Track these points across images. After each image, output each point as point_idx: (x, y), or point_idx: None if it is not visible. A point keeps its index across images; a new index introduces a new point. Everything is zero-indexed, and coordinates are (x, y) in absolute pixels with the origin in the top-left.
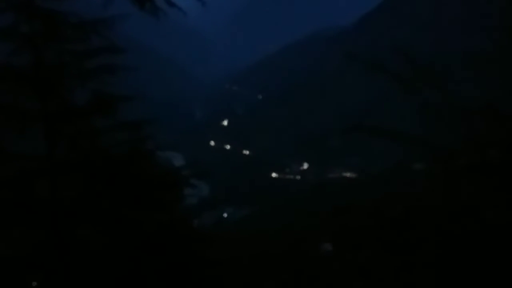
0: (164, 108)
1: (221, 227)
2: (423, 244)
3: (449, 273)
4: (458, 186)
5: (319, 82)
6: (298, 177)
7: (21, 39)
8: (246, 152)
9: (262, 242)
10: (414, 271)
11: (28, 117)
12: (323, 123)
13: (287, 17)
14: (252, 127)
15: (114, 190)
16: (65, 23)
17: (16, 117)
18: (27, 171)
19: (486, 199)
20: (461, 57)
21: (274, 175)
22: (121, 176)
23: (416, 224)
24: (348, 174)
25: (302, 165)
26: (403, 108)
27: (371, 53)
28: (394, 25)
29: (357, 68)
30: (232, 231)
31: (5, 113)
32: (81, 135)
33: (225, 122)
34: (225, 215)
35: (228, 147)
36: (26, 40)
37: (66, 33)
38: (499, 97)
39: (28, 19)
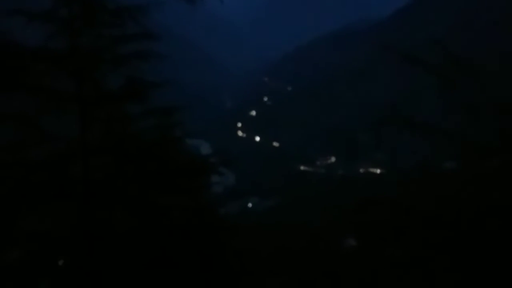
0: (194, 96)
1: (246, 217)
2: (449, 242)
3: (474, 272)
4: (489, 185)
5: (349, 75)
6: (325, 170)
7: (59, 23)
8: (274, 143)
9: (286, 234)
10: (437, 268)
11: (63, 99)
12: (352, 117)
13: (320, 9)
14: (280, 119)
15: (143, 174)
16: (103, 8)
17: (52, 98)
18: (61, 152)
19: None
20: (499, 54)
21: (300, 167)
22: (150, 161)
23: (444, 221)
24: (375, 170)
25: (329, 158)
26: (433, 104)
27: (404, 47)
28: (429, 21)
29: (388, 62)
30: (257, 221)
31: (41, 94)
32: (113, 119)
33: (254, 113)
34: (250, 205)
35: (256, 137)
36: (64, 24)
37: (103, 18)
38: None
39: (66, 3)
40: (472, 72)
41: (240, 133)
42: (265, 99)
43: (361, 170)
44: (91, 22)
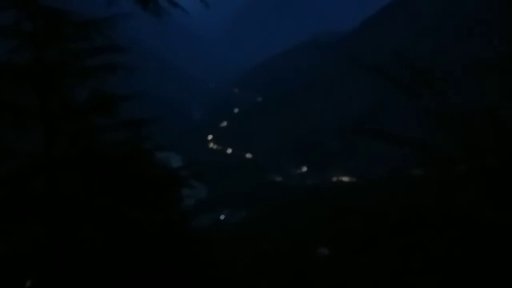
0: (163, 108)
1: (218, 229)
2: (421, 249)
3: (447, 277)
4: (456, 191)
5: (319, 85)
6: (297, 180)
7: (22, 37)
8: (245, 154)
9: (259, 245)
10: (412, 275)
11: (27, 114)
12: (323, 127)
13: (288, 20)
14: (251, 129)
15: (112, 189)
16: (67, 21)
17: (15, 114)
18: (26, 168)
19: (484, 204)
20: (461, 63)
21: (272, 178)
22: (119, 175)
23: (414, 229)
24: (347, 178)
25: (301, 168)
26: (403, 113)
27: (372, 57)
28: (395, 30)
29: (357, 72)
30: (229, 233)
31: (4, 110)
32: (80, 133)
33: (225, 124)
34: (222, 217)
35: (227, 149)
36: (27, 38)
37: (68, 31)
38: (499, 103)
39: (30, 17)
40: (433, 82)
41: (211, 144)
42: (236, 110)
43: (333, 179)
44: (55, 36)
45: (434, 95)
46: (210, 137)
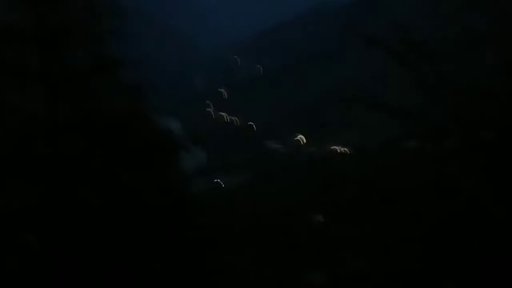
0: (164, 74)
1: (215, 194)
2: (412, 219)
3: (436, 248)
4: (448, 164)
5: (318, 55)
6: (294, 149)
7: None
8: (244, 122)
9: (255, 210)
10: (402, 244)
11: (29, 75)
12: (321, 96)
13: None
14: (250, 97)
15: (111, 150)
16: None
17: (18, 75)
18: (28, 128)
19: (475, 177)
20: (462, 37)
21: (270, 145)
22: (118, 138)
23: (406, 199)
24: (343, 148)
25: (298, 137)
26: (400, 86)
27: (371, 29)
28: (396, 3)
29: (357, 44)
30: (226, 198)
31: (7, 70)
32: (81, 96)
33: (224, 91)
34: (220, 182)
35: (226, 115)
36: (29, 0)
37: None
38: (492, 76)
39: None
40: (427, 53)
41: (210, 111)
42: (235, 77)
43: (330, 148)
44: None
45: (429, 67)
46: (209, 103)
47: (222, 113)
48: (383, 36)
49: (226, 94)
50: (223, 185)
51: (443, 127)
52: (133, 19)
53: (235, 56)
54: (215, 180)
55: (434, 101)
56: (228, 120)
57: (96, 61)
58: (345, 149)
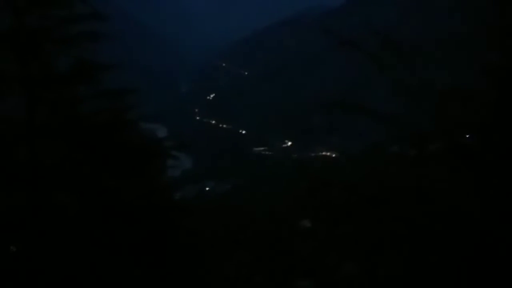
0: (150, 79)
1: (203, 200)
2: (396, 222)
3: (421, 251)
4: (430, 168)
5: (304, 60)
6: (281, 154)
7: (3, 2)
8: (230, 126)
9: (241, 216)
10: (389, 248)
11: (8, 80)
12: (307, 101)
13: None
14: (237, 102)
15: (94, 157)
16: None
17: None
18: (6, 134)
19: (457, 181)
20: (440, 40)
21: (256, 151)
22: (101, 144)
23: (390, 203)
24: (329, 153)
25: (284, 142)
26: (383, 90)
27: (354, 34)
28: (382, 9)
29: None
30: (213, 204)
31: None
32: (62, 101)
33: (210, 96)
34: (207, 188)
35: (212, 121)
36: (8, 3)
37: None
38: (472, 80)
39: None
40: (404, 57)
41: (197, 116)
42: (221, 83)
43: (316, 153)
44: (36, 1)
45: (410, 71)
46: (196, 109)
47: (209, 118)
48: (366, 40)
49: (212, 99)
50: (210, 191)
51: (426, 132)
52: (118, 22)
53: (220, 61)
54: (202, 186)
55: (416, 105)
56: (215, 125)
57: (78, 65)
58: (331, 153)
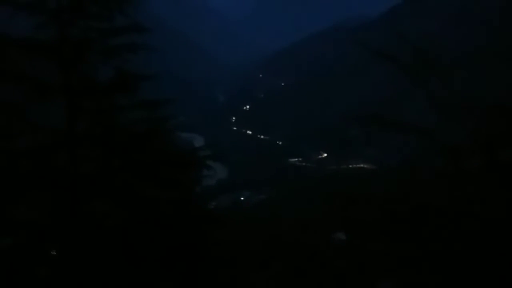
0: (187, 89)
1: (237, 210)
2: (434, 239)
3: (456, 270)
4: (469, 184)
5: (340, 72)
6: (316, 165)
7: (47, 13)
8: (266, 137)
9: (276, 227)
10: (423, 265)
11: (51, 90)
12: (343, 113)
13: (313, 6)
14: (273, 113)
15: (131, 166)
16: (91, 0)
17: (39, 89)
18: (48, 143)
19: (496, 199)
20: (490, 55)
21: (292, 162)
22: (139, 153)
23: (428, 219)
24: (364, 166)
25: (320, 154)
26: (422, 102)
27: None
28: (421, 18)
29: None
30: (248, 214)
31: (29, 85)
32: (102, 111)
33: (247, 107)
34: (242, 198)
35: (248, 131)
36: (52, 14)
37: (92, 10)
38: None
39: None
40: (439, 69)
41: (233, 126)
42: (259, 94)
43: (351, 166)
44: (79, 14)
45: (441, 82)
46: (233, 119)
47: (246, 129)
48: (402, 52)
49: (249, 110)
50: (245, 201)
51: (464, 147)
52: (156, 33)
53: (258, 72)
54: (237, 196)
55: (454, 120)
56: (251, 136)
57: (118, 76)
58: (367, 166)
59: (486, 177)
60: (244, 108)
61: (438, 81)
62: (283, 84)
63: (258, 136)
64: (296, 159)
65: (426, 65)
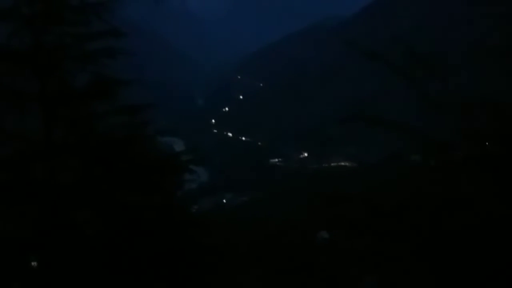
0: (165, 93)
1: (220, 213)
2: (417, 235)
3: (442, 264)
4: (454, 178)
5: (319, 71)
6: (298, 165)
7: (21, 20)
8: (246, 139)
9: (259, 229)
10: (407, 260)
11: (27, 98)
12: (323, 112)
13: (289, 6)
14: (252, 114)
15: (111, 173)
16: (66, 5)
17: (15, 98)
18: (25, 153)
19: (482, 192)
20: (461, 50)
21: (273, 162)
22: (119, 160)
23: (410, 215)
24: (346, 164)
25: (301, 153)
26: (402, 100)
27: (371, 43)
28: (395, 16)
29: (357, 58)
30: (230, 217)
31: (3, 94)
32: (80, 118)
33: (226, 109)
34: (224, 201)
35: (228, 133)
36: (26, 21)
37: (67, 15)
38: (499, 89)
39: (28, 0)
40: (433, 68)
41: (213, 129)
42: (237, 95)
43: (332, 164)
44: (53, 20)
45: (434, 81)
46: (212, 121)
47: (225, 131)
48: (385, 50)
49: (228, 112)
50: (227, 204)
51: (448, 142)
52: (133, 37)
53: (236, 74)
54: (219, 199)
55: (438, 115)
56: (231, 138)
57: (95, 81)
58: (349, 164)
59: (469, 172)
60: (224, 110)
61: (432, 80)
62: (261, 84)
63: (238, 137)
64: (277, 160)
65: (420, 63)
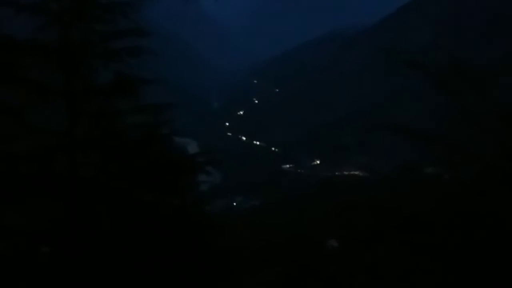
0: (182, 94)
1: (230, 215)
2: (426, 247)
3: (450, 278)
4: (469, 191)
5: (334, 79)
6: (310, 171)
7: (49, 15)
8: (260, 143)
9: (269, 233)
10: (418, 272)
11: (51, 92)
12: (336, 120)
13: (308, 13)
14: (267, 119)
15: (129, 171)
16: (94, 2)
17: (39, 91)
18: (47, 146)
19: (495, 207)
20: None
21: (285, 168)
22: (137, 158)
23: (422, 227)
24: (358, 172)
25: (313, 160)
26: (415, 109)
27: (397, 50)
28: (415, 27)
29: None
30: (240, 219)
31: (28, 87)
32: (101, 114)
33: (241, 113)
34: (234, 203)
35: (242, 137)
36: (54, 17)
37: (94, 13)
38: None
39: None
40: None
41: (227, 132)
42: (253, 100)
43: (345, 172)
44: (81, 16)
45: (473, 92)
46: (227, 124)
47: (239, 134)
48: (411, 57)
49: (243, 116)
50: (237, 207)
51: (463, 154)
52: (155, 37)
53: (253, 79)
54: (230, 202)
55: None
56: (245, 141)
57: (118, 79)
58: (361, 172)
59: (485, 184)
60: (239, 113)
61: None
62: (277, 90)
63: (252, 141)
64: (289, 165)
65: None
